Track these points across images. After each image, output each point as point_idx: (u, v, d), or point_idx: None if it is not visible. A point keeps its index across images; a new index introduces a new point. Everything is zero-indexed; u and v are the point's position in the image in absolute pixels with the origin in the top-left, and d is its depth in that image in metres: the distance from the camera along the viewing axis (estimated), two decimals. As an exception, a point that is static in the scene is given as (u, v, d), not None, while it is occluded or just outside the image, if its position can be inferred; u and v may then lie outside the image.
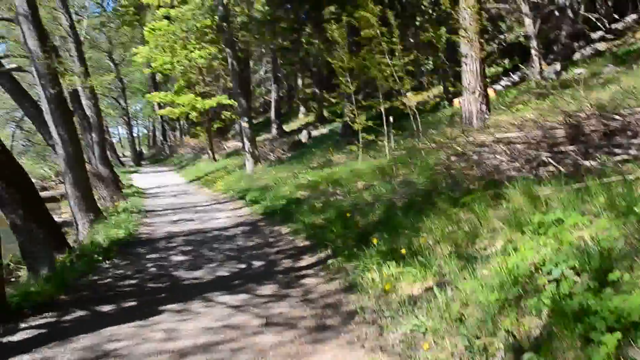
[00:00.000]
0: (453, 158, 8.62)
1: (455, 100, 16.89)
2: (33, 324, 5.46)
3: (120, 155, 57.47)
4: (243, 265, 7.36)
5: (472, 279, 4.28)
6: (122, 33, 43.11)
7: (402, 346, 3.92)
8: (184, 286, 6.57)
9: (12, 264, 13.07)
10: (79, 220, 13.63)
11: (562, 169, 6.06)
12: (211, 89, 32.78)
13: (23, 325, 5.43)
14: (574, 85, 10.75)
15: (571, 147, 6.45)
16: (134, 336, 4.79)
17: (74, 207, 13.78)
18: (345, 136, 19.71)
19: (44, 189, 30.17)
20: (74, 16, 22.03)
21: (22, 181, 8.93)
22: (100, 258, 8.36)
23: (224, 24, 20.71)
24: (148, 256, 8.68)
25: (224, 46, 22.56)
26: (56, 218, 21.56)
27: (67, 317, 5.61)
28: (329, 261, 6.63)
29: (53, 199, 23.43)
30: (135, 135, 77.42)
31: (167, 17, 23.11)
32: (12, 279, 12.22)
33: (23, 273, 10.50)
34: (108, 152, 44.32)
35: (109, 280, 7.24)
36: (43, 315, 5.70)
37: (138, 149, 59.15)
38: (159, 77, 40.04)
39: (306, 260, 7.21)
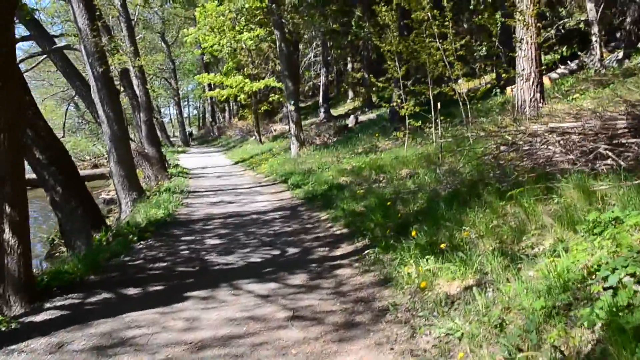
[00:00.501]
0: (502, 148, 8.13)
1: (508, 88, 16.21)
2: (57, 304, 5.37)
3: (171, 135, 58.33)
4: (277, 252, 7.11)
5: (517, 281, 3.87)
6: (175, 14, 43.60)
7: (435, 352, 3.56)
8: (214, 271, 6.38)
9: (56, 239, 13.27)
10: (122, 199, 13.70)
11: (622, 163, 5.52)
12: (260, 72, 32.64)
13: (47, 305, 5.34)
14: (638, 74, 10.05)
15: (633, 140, 5.91)
16: (154, 324, 4.60)
17: (117, 186, 13.86)
18: (393, 122, 19.27)
19: (96, 166, 30.83)
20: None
21: (63, 160, 8.90)
22: (135, 238, 8.28)
23: (273, 6, 20.42)
24: (183, 238, 8.54)
25: (273, 28, 22.30)
26: (104, 195, 22.04)
27: (92, 299, 5.49)
28: (366, 251, 6.30)
29: (103, 176, 23.82)
30: (185, 116, 78.93)
31: (218, -3, 23.01)
32: (57, 254, 12.40)
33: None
34: (159, 132, 45.26)
35: (140, 261, 7.12)
36: (69, 295, 5.62)
37: (188, 129, 59.89)
38: (205, 58, 40.09)
39: (342, 249, 6.91)
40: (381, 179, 10.60)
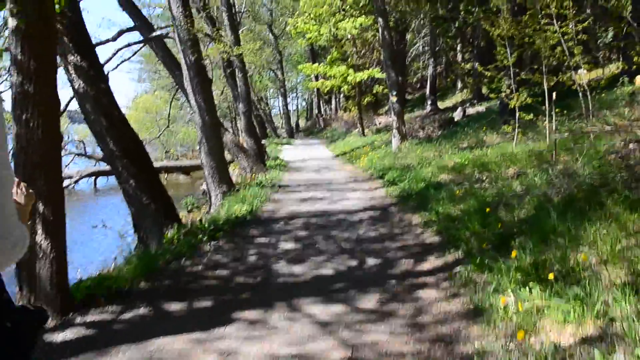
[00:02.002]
0: (632, 146, 6.77)
1: (638, 77, 14.28)
2: (89, 319, 4.77)
3: (279, 126, 58.93)
4: (354, 263, 6.22)
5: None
6: (284, 6, 43.70)
7: None
8: (276, 285, 5.60)
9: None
10: (212, 192, 13.37)
11: None
12: (364, 62, 31.77)
13: (79, 319, 4.75)
14: None
15: None
16: (180, 356, 3.87)
17: (207, 178, 13.55)
18: (502, 115, 17.74)
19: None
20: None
21: (137, 152, 8.51)
22: (205, 238, 7.68)
23: (376, -9, 19.47)
24: (256, 240, 7.85)
25: (376, 15, 21.33)
26: (204, 187, 22.10)
27: (126, 316, 4.86)
28: (456, 268, 5.28)
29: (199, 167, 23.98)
30: (294, 108, 79.78)
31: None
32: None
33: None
34: (266, 124, 45.75)
35: (199, 267, 6.46)
36: (106, 308, 5.01)
37: (294, 120, 60.25)
38: (316, 47, 39.90)
39: (430, 262, 5.91)
40: (484, 178, 9.42)
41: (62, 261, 4.90)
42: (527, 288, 3.91)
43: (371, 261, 6.21)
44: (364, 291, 5.03)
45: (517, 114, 12.43)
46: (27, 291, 4.73)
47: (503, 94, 14.24)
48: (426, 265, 5.81)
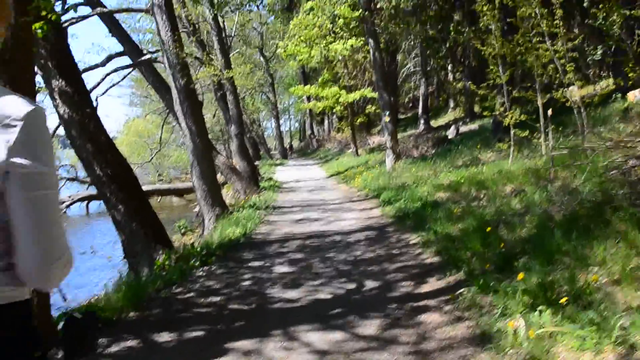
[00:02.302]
0: (632, 162, 6.65)
1: (631, 93, 14.25)
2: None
3: (272, 148, 58.93)
4: (352, 286, 6.01)
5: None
6: (274, 30, 43.83)
7: None
8: (271, 311, 5.39)
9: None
10: (205, 215, 13.20)
11: None
12: (356, 82, 31.83)
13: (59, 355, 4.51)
14: None
15: None
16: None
17: (200, 201, 13.40)
18: (496, 133, 17.66)
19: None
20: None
21: (125, 177, 8.33)
22: (197, 263, 7.47)
23: (367, 13, 19.47)
24: (250, 264, 7.64)
25: (366, 37, 21.35)
26: (197, 209, 21.87)
27: (113, 349, 4.61)
28: (459, 291, 5.09)
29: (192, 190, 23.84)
30: (287, 129, 79.98)
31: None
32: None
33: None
34: (259, 145, 45.66)
35: (191, 295, 6.24)
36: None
37: (288, 142, 60.32)
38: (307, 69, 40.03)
39: (430, 284, 5.72)
40: (481, 196, 9.29)
41: (44, 294, 4.64)
42: (536, 311, 3.73)
43: (370, 284, 6.02)
44: (364, 316, 4.82)
45: (512, 131, 12.33)
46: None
47: (497, 112, 14.17)
48: (426, 288, 5.62)
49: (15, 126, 1.27)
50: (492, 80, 13.71)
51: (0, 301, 1.30)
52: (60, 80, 7.69)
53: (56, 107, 7.84)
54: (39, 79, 7.56)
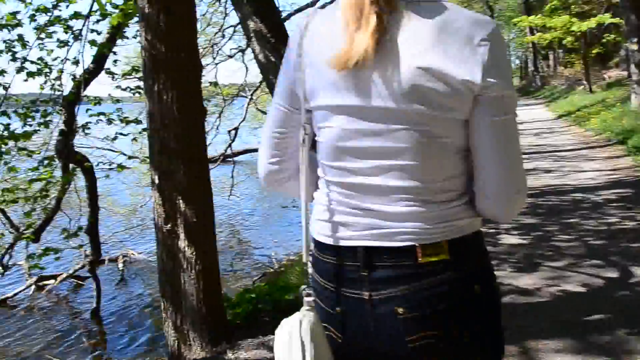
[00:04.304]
0: None
1: None
2: (254, 349, 3.70)
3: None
4: (612, 274, 4.39)
5: None
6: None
7: None
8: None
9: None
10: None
11: None
12: (592, 7, 27.97)
13: (231, 356, 3.69)
14: None
15: None
16: None
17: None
18: None
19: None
20: None
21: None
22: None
23: None
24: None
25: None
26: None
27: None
28: None
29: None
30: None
31: None
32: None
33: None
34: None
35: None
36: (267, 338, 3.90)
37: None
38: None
39: None
40: None
41: (212, 273, 3.92)
42: None
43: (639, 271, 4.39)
44: (630, 331, 3.32)
45: None
46: (172, 311, 3.82)
47: None
48: None
49: (484, 46, 1.14)
50: None
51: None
52: (257, 22, 6.96)
53: (253, 50, 7.20)
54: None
